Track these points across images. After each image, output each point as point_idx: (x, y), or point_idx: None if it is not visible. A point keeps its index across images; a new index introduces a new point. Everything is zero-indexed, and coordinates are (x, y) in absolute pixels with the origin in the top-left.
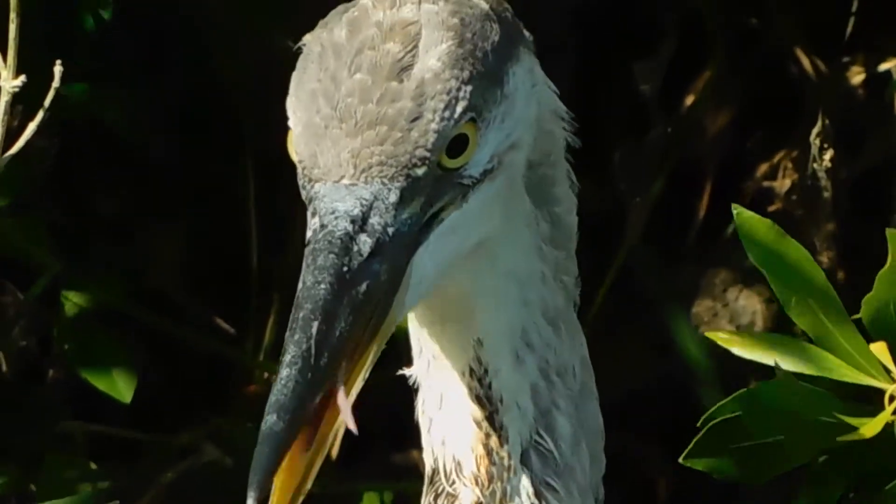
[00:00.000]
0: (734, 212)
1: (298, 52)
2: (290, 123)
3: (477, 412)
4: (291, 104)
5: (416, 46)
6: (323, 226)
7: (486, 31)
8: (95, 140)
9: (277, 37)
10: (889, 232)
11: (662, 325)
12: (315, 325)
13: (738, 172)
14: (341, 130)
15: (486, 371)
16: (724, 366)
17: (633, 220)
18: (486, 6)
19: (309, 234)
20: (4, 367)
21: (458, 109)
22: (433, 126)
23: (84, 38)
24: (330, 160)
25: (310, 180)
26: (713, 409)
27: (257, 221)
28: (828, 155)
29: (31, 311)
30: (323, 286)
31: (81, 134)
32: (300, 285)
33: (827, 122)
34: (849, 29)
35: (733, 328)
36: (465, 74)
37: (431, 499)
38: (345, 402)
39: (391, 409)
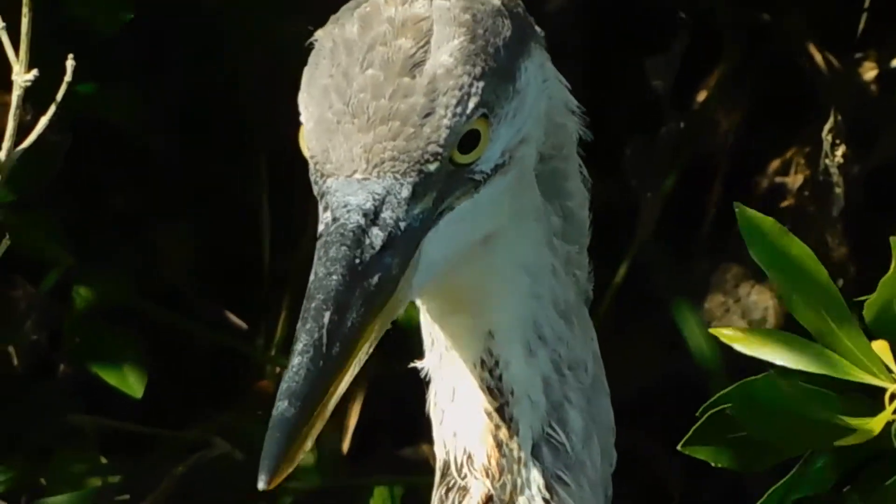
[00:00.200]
0: (736, 209)
1: (310, 47)
2: (302, 119)
3: (487, 404)
4: (303, 100)
5: (427, 42)
6: (335, 219)
7: (498, 26)
8: (107, 136)
9: (288, 32)
10: (892, 239)
11: (673, 321)
12: (327, 314)
13: (750, 168)
14: (353, 126)
15: (496, 363)
16: (734, 362)
17: (645, 216)
18: (497, 2)
19: (321, 227)
20: (15, 362)
21: (471, 105)
22: (445, 122)
23: (94, 35)
24: (342, 155)
25: (322, 175)
26: (713, 398)
27: (269, 217)
28: (840, 151)
29: (42, 306)
30: (335, 277)
31: (93, 130)
32: (312, 277)
33: (839, 117)
34: (861, 25)
35: (745, 324)
36: (477, 70)
37: (443, 492)
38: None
39: (401, 403)
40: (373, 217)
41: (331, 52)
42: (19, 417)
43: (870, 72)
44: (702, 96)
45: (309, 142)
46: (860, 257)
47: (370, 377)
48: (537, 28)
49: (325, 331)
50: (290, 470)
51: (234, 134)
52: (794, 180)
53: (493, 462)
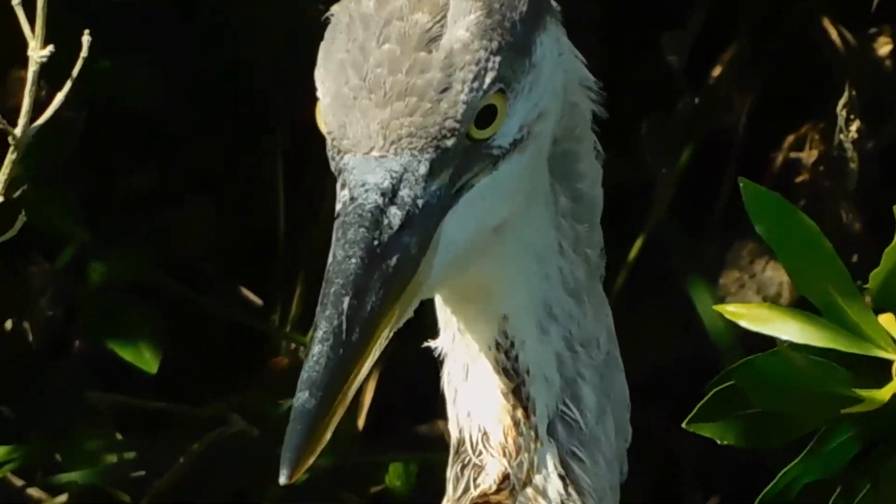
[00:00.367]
0: (741, 185)
1: (326, 22)
2: (319, 94)
3: (503, 385)
4: (320, 75)
5: (444, 17)
6: (353, 198)
7: (514, 0)
8: (123, 113)
9: (303, 8)
10: None
11: (688, 298)
12: (346, 300)
13: (765, 144)
14: (370, 101)
15: (512, 344)
16: (749, 339)
17: (659, 193)
18: None
19: (338, 206)
20: (31, 338)
21: (487, 80)
22: (462, 97)
23: (111, 9)
24: (359, 131)
25: (339, 151)
26: (718, 376)
27: (284, 193)
28: (854, 126)
29: (57, 282)
30: (353, 260)
31: (109, 106)
32: (330, 259)
33: (853, 93)
34: (875, 0)
35: (760, 299)
36: (494, 45)
37: (458, 469)
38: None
39: (416, 380)
40: (391, 196)
41: (347, 26)
42: (35, 394)
43: (884, 47)
44: (717, 72)
45: (326, 117)
46: (875, 232)
47: (385, 355)
48: (553, 2)
49: (344, 317)
50: (310, 463)
51: (250, 110)
52: (809, 156)
53: (511, 440)
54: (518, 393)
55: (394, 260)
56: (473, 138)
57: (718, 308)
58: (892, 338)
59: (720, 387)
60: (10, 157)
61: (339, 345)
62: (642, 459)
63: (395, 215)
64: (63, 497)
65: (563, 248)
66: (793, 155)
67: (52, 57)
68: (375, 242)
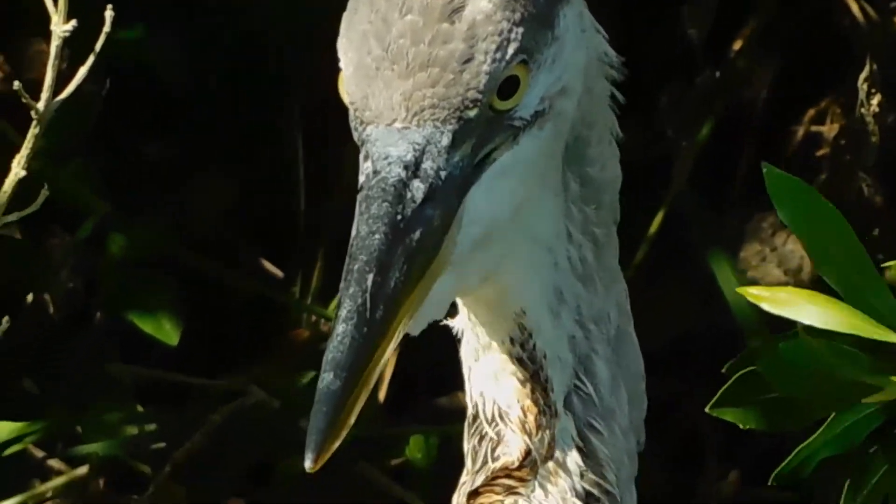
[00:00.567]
0: (764, 169)
1: None
2: (342, 65)
3: (521, 373)
4: (342, 45)
5: None
6: (376, 171)
7: None
8: (144, 85)
9: None
10: None
11: (709, 271)
12: (370, 277)
13: (786, 118)
14: (393, 72)
15: (530, 335)
16: (769, 313)
17: (680, 165)
18: None
19: (361, 178)
20: (52, 310)
21: (510, 51)
22: (485, 68)
23: None
24: (382, 103)
25: (361, 122)
26: (739, 356)
27: (304, 164)
28: (875, 100)
29: (78, 254)
30: (377, 236)
31: (130, 78)
32: (353, 233)
33: (874, 66)
34: None
35: (781, 273)
36: (517, 16)
37: (475, 442)
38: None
39: (437, 353)
40: (414, 168)
41: None
42: (55, 366)
43: None
44: (737, 45)
45: (348, 87)
46: None
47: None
48: None
49: (368, 294)
50: (335, 446)
51: (270, 82)
52: (830, 129)
53: (531, 418)
54: (537, 377)
55: (417, 234)
56: (496, 109)
57: (741, 290)
58: None
59: (742, 371)
60: (33, 130)
61: (363, 323)
62: (663, 432)
63: (417, 188)
64: (83, 468)
65: (571, 235)
66: (814, 129)
67: (73, 29)
68: (398, 217)
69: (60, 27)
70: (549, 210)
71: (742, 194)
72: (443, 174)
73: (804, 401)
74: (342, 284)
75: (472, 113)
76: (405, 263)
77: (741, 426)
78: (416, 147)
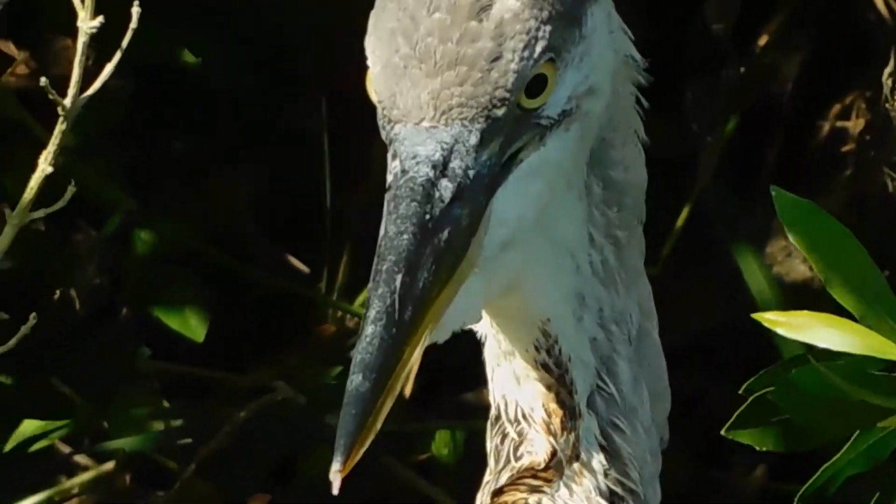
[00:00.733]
0: (773, 194)
1: None
2: (369, 63)
3: (545, 379)
4: (370, 43)
5: None
6: (404, 171)
7: None
8: (169, 80)
9: None
10: None
11: (734, 266)
12: (399, 277)
13: (811, 113)
14: (421, 71)
15: (556, 340)
16: (794, 306)
17: (706, 161)
18: None
19: (389, 178)
20: (77, 306)
21: (538, 49)
22: (513, 66)
23: None
24: (410, 101)
25: (389, 121)
26: (752, 379)
27: (330, 159)
28: None
29: (104, 250)
30: (406, 236)
31: (156, 74)
32: (381, 233)
33: None
34: None
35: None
36: (545, 14)
37: (498, 441)
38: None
39: (463, 348)
40: (442, 168)
41: None
42: (82, 361)
43: None
44: (763, 40)
45: (376, 86)
46: None
47: None
48: None
49: (397, 295)
50: (364, 449)
51: (295, 77)
52: (856, 125)
53: (556, 420)
54: (561, 380)
55: (445, 234)
56: (523, 108)
57: (756, 317)
58: None
59: (757, 394)
60: (60, 127)
61: (392, 324)
62: (687, 428)
63: (446, 188)
64: (110, 464)
65: (593, 238)
66: (839, 124)
67: (99, 25)
68: (427, 217)
69: (87, 23)
70: (573, 214)
71: (768, 189)
72: (471, 173)
73: (822, 427)
74: (370, 285)
75: (501, 112)
76: (434, 263)
77: (757, 448)
78: (445, 146)
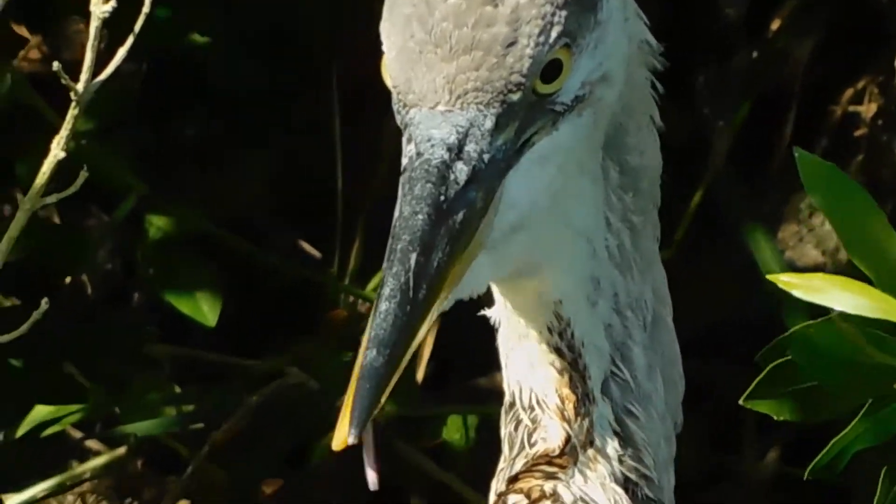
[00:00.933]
0: (795, 154)
1: None
2: (384, 48)
3: (559, 362)
4: (385, 28)
5: None
6: (419, 153)
7: None
8: (182, 65)
9: None
10: None
11: (747, 251)
12: (413, 256)
13: (823, 97)
14: (436, 56)
15: (568, 324)
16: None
17: (718, 146)
18: None
19: (404, 161)
20: (90, 290)
21: (553, 34)
22: (528, 51)
23: None
24: (425, 86)
25: (404, 106)
26: (771, 343)
27: (342, 145)
28: None
29: (116, 235)
30: (420, 217)
31: (168, 58)
32: (396, 214)
33: None
34: None
35: (819, 253)
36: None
37: (512, 428)
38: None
39: (475, 332)
40: (457, 151)
41: None
42: (94, 346)
43: None
44: (775, 25)
45: (391, 71)
46: None
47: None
48: None
49: (411, 274)
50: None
51: (307, 61)
52: (868, 109)
53: (570, 405)
54: (574, 365)
55: (460, 216)
56: (538, 93)
57: (772, 277)
58: None
59: (775, 363)
60: (72, 112)
61: (406, 302)
62: (701, 413)
63: (461, 170)
64: (122, 449)
65: (610, 223)
66: (851, 108)
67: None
68: (442, 198)
69: (100, 7)
70: (589, 199)
71: (780, 175)
72: (486, 157)
73: (838, 388)
74: (385, 264)
75: (516, 96)
76: (448, 244)
77: (775, 417)
78: (460, 129)
